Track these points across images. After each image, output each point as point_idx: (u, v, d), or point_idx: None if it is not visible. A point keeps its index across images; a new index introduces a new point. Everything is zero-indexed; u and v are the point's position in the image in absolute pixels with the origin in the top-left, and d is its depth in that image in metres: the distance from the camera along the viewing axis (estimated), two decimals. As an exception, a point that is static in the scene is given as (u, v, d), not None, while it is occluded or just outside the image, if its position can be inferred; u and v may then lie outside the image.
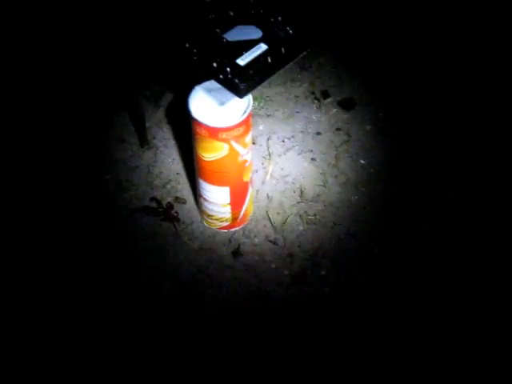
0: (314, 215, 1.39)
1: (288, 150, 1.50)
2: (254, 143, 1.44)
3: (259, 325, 1.22)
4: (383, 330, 1.22)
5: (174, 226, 1.36)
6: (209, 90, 1.18)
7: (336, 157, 1.48)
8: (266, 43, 1.05)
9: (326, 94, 1.59)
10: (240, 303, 1.26)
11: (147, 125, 1.52)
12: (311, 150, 1.49)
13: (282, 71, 1.06)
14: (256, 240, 1.36)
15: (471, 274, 1.29)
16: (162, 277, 1.30)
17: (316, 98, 1.59)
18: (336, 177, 1.45)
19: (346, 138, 1.52)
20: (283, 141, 1.51)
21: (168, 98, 1.60)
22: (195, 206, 1.40)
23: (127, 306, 1.25)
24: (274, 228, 1.37)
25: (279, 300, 1.26)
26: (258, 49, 1.04)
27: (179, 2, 1.12)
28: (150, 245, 1.34)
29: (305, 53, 1.05)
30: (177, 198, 1.42)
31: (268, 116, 1.56)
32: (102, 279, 1.29)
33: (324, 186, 1.43)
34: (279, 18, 1.07)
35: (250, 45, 1.05)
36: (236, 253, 1.34)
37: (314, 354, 1.20)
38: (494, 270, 1.30)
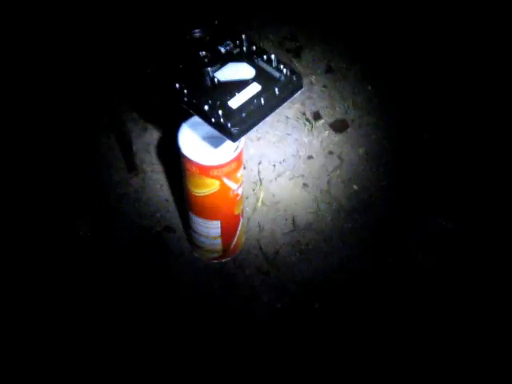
0: (307, 245, 1.36)
1: (279, 175, 1.47)
2: (244, 168, 1.41)
3: (250, 367, 1.19)
4: (383, 369, 1.19)
5: (165, 258, 1.32)
6: (197, 125, 1.14)
7: (328, 182, 1.46)
8: (258, 83, 1.01)
9: (317, 115, 1.56)
10: (231, 338, 1.23)
11: (134, 148, 1.47)
12: (303, 175, 1.46)
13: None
14: (247, 271, 1.33)
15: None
16: (155, 312, 1.26)
17: (307, 120, 1.56)
18: (329, 203, 1.43)
19: (338, 162, 1.49)
20: (274, 165, 1.48)
21: (156, 120, 1.56)
22: (184, 235, 1.36)
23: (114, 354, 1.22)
24: (266, 259, 1.34)
25: (272, 334, 1.23)
26: (250, 90, 1.00)
27: (168, 37, 1.07)
28: (139, 280, 1.30)
29: (299, 92, 1.01)
30: (166, 228, 1.38)
31: (258, 139, 1.53)
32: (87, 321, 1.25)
33: (316, 213, 1.39)
34: (272, 56, 1.02)
35: (242, 85, 1.01)
36: (228, 285, 1.30)
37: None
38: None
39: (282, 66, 1.03)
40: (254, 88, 1.01)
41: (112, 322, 1.25)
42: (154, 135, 1.53)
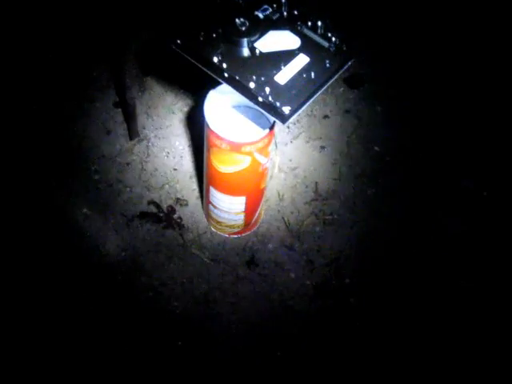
0: (331, 214, 1.27)
1: (294, 137, 1.36)
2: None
3: (283, 346, 1.12)
4: (418, 343, 1.13)
5: (181, 235, 1.22)
6: (225, 94, 1.02)
7: (347, 144, 1.35)
8: (306, 53, 0.89)
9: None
10: (260, 321, 1.14)
11: (133, 111, 1.34)
12: (320, 138, 1.36)
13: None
14: (270, 246, 1.24)
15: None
16: (172, 295, 1.16)
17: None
18: (350, 167, 1.33)
19: (356, 121, 1.39)
20: (288, 127, 1.37)
21: (156, 78, 1.42)
22: (198, 208, 1.27)
23: (135, 326, 1.12)
24: (289, 231, 1.25)
25: (303, 315, 1.16)
26: (297, 62, 0.88)
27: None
28: (154, 258, 1.19)
29: (350, 63, 0.90)
30: (178, 200, 1.27)
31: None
32: (102, 300, 1.15)
33: (338, 179, 1.30)
34: (319, 23, 0.90)
35: (287, 56, 0.89)
36: (251, 262, 1.21)
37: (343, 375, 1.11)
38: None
39: (329, 34, 0.91)
40: (302, 60, 0.89)
41: (128, 307, 1.15)
42: (154, 96, 1.39)
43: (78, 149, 1.31)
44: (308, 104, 0.85)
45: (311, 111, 1.39)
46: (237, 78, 0.86)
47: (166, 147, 1.34)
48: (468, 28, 1.50)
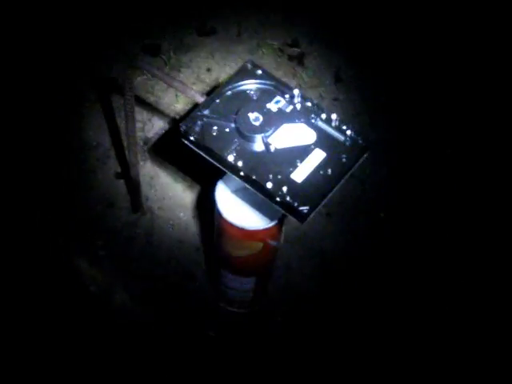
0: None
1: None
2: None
3: None
4: None
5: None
6: (235, 182, 1.00)
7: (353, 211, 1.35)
8: (322, 148, 0.88)
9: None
10: None
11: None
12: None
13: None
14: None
15: None
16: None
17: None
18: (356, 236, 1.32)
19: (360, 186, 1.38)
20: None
21: (158, 149, 1.41)
22: (206, 282, 1.27)
23: None
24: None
25: None
26: (314, 157, 0.87)
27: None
28: (158, 338, 1.19)
29: (366, 156, 0.89)
30: (185, 276, 1.26)
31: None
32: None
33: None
34: (333, 116, 0.90)
35: (303, 152, 0.88)
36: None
37: None
38: None
39: (344, 127, 0.90)
40: (318, 155, 0.88)
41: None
42: (155, 166, 1.37)
43: (81, 222, 1.28)
44: (325, 201, 0.84)
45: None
46: (254, 177, 0.84)
47: (170, 218, 1.32)
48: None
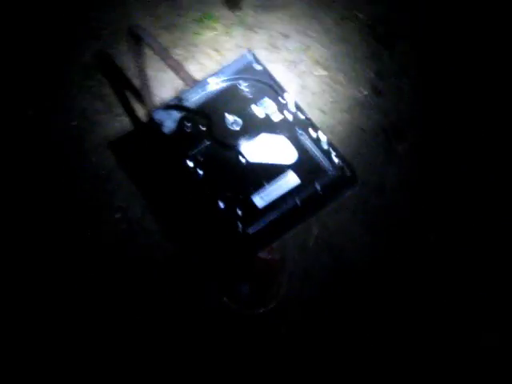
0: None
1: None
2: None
3: None
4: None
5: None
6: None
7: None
8: (296, 172, 0.76)
9: (400, 134, 1.27)
10: None
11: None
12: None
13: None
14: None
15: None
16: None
17: (388, 138, 1.27)
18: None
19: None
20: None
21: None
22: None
23: None
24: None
25: None
26: (284, 182, 0.75)
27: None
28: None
29: (349, 193, 0.75)
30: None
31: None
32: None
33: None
34: (322, 137, 0.76)
35: (275, 171, 0.76)
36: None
37: None
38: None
39: (333, 154, 0.76)
40: (290, 180, 0.75)
41: None
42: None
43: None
44: (277, 240, 0.72)
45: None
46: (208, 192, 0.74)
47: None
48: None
